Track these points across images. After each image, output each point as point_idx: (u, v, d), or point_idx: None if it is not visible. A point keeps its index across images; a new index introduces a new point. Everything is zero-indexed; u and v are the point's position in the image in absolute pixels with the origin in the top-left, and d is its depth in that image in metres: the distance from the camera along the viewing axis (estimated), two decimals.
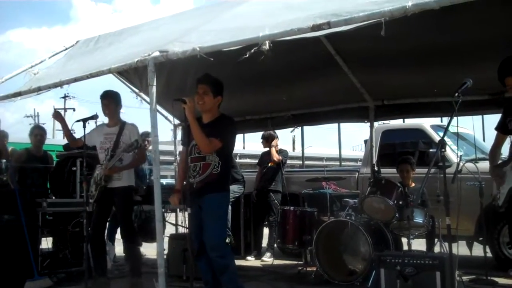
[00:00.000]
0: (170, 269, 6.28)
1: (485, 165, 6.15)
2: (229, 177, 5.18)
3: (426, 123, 8.14)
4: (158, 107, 7.28)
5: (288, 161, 9.12)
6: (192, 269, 4.85)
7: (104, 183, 5.73)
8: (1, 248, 6.12)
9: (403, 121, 9.31)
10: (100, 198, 5.81)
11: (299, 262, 7.37)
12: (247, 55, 4.39)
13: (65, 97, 43.84)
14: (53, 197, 7.35)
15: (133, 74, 7.85)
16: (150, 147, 5.99)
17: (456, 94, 4.10)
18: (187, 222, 7.98)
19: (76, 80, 5.58)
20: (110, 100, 5.95)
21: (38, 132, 7.68)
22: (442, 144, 3.99)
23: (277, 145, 8.58)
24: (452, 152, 7.09)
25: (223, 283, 4.87)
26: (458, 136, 5.00)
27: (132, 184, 5.89)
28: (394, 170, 7.03)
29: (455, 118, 4.33)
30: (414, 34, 5.86)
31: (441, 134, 7.54)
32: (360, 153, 29.60)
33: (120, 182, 5.75)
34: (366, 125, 8.07)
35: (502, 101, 6.62)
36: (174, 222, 8.64)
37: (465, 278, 5.50)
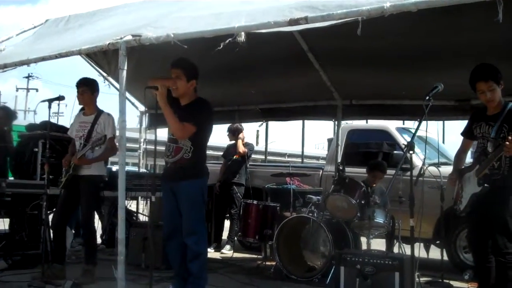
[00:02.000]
0: (129, 257, 6.22)
1: (447, 170, 6.27)
2: (202, 163, 5.10)
3: (391, 125, 8.24)
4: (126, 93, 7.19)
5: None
6: (153, 257, 4.80)
7: (73, 172, 5.63)
8: None
9: (366, 122, 9.42)
10: (68, 185, 5.70)
11: (259, 256, 7.41)
12: (221, 47, 4.37)
13: (28, 77, 42.98)
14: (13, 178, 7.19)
15: (102, 57, 7.74)
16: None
17: (427, 98, 4.14)
18: (148, 210, 8.04)
19: (44, 59, 5.46)
20: (85, 88, 5.81)
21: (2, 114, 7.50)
22: (410, 146, 4.03)
23: (244, 138, 8.56)
24: (415, 155, 7.18)
25: (192, 271, 4.85)
26: (426, 140, 5.07)
27: (101, 174, 5.77)
28: (358, 170, 7.11)
29: (424, 121, 4.36)
30: (388, 35, 5.92)
31: (406, 136, 7.75)
32: (322, 151, 29.86)
33: (89, 171, 5.64)
34: (330, 124, 8.15)
35: (468, 108, 6.78)
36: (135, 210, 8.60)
37: (421, 280, 5.60)
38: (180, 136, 4.86)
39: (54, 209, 6.10)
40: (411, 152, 4.06)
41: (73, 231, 7.33)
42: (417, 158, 6.84)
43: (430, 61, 6.29)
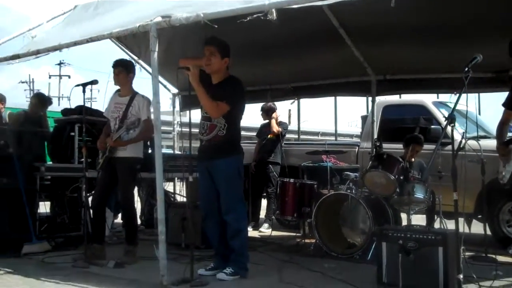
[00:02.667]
0: (169, 237, 6.25)
1: (487, 143, 6.16)
2: (237, 141, 5.14)
3: (428, 99, 8.09)
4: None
5: None
6: (193, 237, 4.83)
7: (109, 154, 5.66)
8: None
9: (400, 97, 9.26)
10: (105, 167, 5.74)
11: (297, 234, 7.40)
12: (247, 19, 4.31)
13: (60, 64, 43.39)
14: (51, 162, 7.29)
15: (132, 40, 7.74)
16: None
17: (466, 69, 4.02)
18: (185, 191, 8.09)
19: (76, 44, 5.50)
20: (121, 69, 5.82)
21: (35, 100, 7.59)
22: (451, 119, 3.92)
23: (278, 117, 8.52)
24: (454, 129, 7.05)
25: (234, 248, 4.91)
26: (467, 113, 4.94)
27: (138, 156, 5.77)
28: (394, 146, 7.01)
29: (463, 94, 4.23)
30: (421, 8, 5.79)
31: (443, 110, 7.61)
32: (356, 129, 29.58)
33: (125, 153, 5.65)
34: (362, 101, 8.07)
35: (506, 79, 6.61)
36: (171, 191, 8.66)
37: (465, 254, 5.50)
38: (214, 115, 4.89)
39: (93, 191, 6.16)
40: (452, 125, 3.96)
41: (113, 212, 7.41)
42: (456, 132, 6.71)
43: (466, 33, 6.14)
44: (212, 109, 4.88)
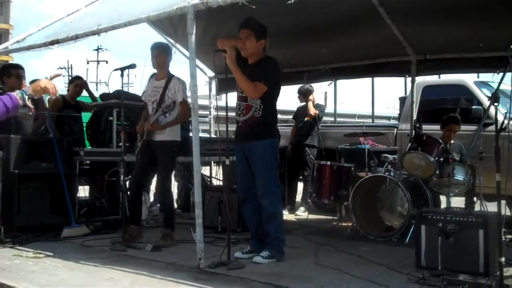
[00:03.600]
0: (205, 221, 6.29)
1: None
2: (273, 122, 5.13)
3: (469, 79, 7.89)
4: None
5: None
6: (229, 220, 4.83)
7: (147, 137, 5.70)
8: (40, 195, 6.20)
9: (439, 77, 9.06)
10: (143, 150, 5.79)
11: (334, 217, 7.35)
12: (289, 1, 4.24)
13: (98, 49, 43.97)
14: (90, 147, 7.39)
15: (168, 24, 7.75)
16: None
17: (511, 47, 3.88)
18: (221, 174, 8.10)
19: (114, 28, 5.54)
20: (160, 51, 5.83)
21: (78, 82, 7.65)
22: (495, 98, 3.80)
23: (314, 99, 8.44)
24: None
25: (269, 231, 4.91)
26: (511, 93, 4.78)
27: (175, 139, 5.78)
28: (434, 127, 6.87)
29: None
30: None
31: (485, 90, 7.41)
32: (393, 111, 29.19)
33: (163, 136, 5.68)
34: (400, 83, 7.93)
35: None
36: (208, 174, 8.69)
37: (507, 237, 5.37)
38: (252, 95, 4.89)
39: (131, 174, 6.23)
40: (496, 104, 3.84)
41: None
42: (498, 112, 6.53)
43: (507, 10, 5.92)
44: (250, 89, 4.88)
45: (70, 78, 15.11)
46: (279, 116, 5.39)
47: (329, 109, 18.02)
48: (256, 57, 5.00)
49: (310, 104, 8.31)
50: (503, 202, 6.05)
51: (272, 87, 4.94)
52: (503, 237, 4.03)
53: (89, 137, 7.54)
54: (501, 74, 4.01)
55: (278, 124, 5.28)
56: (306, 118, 8.34)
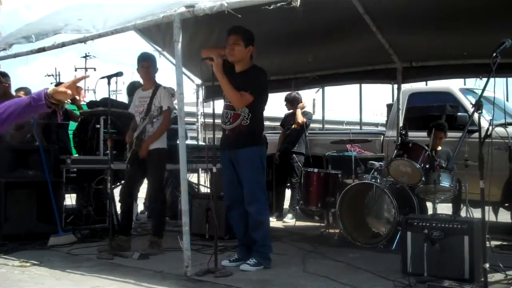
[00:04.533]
0: (193, 228, 6.28)
1: None
2: (260, 130, 5.17)
3: (454, 86, 7.96)
4: None
5: None
6: (216, 228, 4.83)
7: (136, 147, 5.70)
8: (26, 203, 6.17)
9: (426, 84, 9.13)
10: (133, 160, 5.79)
11: (321, 224, 7.37)
12: (271, 7, 4.27)
13: (86, 56, 43.82)
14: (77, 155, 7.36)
15: (155, 32, 7.75)
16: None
17: (494, 54, 3.93)
18: (208, 182, 8.09)
19: (100, 36, 5.52)
20: (150, 63, 5.87)
21: None
22: (479, 105, 3.84)
23: (304, 107, 8.48)
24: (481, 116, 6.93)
25: (256, 239, 4.93)
26: (494, 99, 4.83)
27: (163, 147, 5.80)
28: (420, 134, 6.92)
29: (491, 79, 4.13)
30: None
31: (470, 97, 7.48)
32: (381, 117, 29.30)
33: (152, 144, 5.70)
34: (387, 90, 7.96)
35: None
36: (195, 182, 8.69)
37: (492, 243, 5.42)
38: (238, 105, 4.90)
39: (121, 183, 6.22)
40: (479, 112, 3.88)
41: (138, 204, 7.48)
42: (483, 119, 6.60)
43: (494, 17, 5.99)
44: (236, 99, 4.88)
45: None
46: (266, 123, 5.41)
47: (318, 115, 18.08)
48: (243, 64, 5.01)
49: (298, 111, 8.33)
50: (487, 208, 6.12)
51: (259, 97, 4.96)
52: (488, 243, 4.05)
53: (76, 145, 7.50)
54: (484, 79, 4.04)
55: (265, 132, 5.30)
56: (293, 126, 8.36)
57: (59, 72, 39.19)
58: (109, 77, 5.83)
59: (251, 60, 5.08)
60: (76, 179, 6.69)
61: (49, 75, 41.28)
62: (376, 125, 27.35)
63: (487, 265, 3.60)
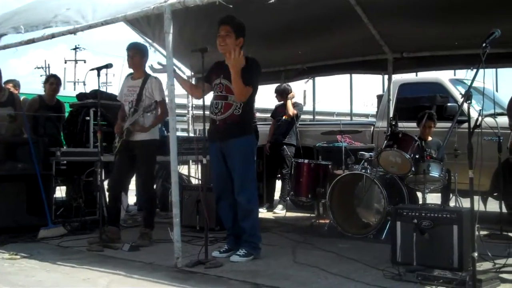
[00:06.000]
0: (184, 220, 6.28)
1: (504, 120, 6.07)
2: (251, 121, 5.20)
3: (444, 76, 7.98)
4: None
5: None
6: (206, 219, 4.83)
7: (126, 137, 5.68)
8: (16, 196, 6.15)
9: (416, 75, 9.15)
10: (122, 150, 5.76)
11: (312, 215, 7.39)
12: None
13: (76, 48, 43.58)
14: (66, 147, 7.33)
15: (146, 23, 7.71)
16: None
17: (484, 44, 3.93)
18: (199, 173, 8.10)
19: (90, 27, 5.47)
20: (136, 51, 5.82)
21: (53, 81, 7.57)
22: (468, 96, 3.85)
23: (293, 96, 8.47)
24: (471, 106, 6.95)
25: (245, 229, 4.94)
26: (484, 90, 4.84)
27: (155, 138, 5.78)
28: (410, 124, 6.93)
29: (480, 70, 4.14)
30: None
31: (460, 88, 7.50)
32: (371, 108, 29.36)
33: (143, 136, 5.66)
34: (378, 81, 8.00)
35: None
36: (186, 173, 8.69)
37: (480, 232, 5.46)
38: (242, 98, 4.90)
39: (110, 174, 6.20)
40: (468, 102, 3.89)
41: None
42: (472, 109, 6.62)
43: (484, 8, 6.01)
44: (244, 93, 4.88)
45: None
46: (257, 114, 5.41)
47: (308, 107, 18.08)
48: None
49: (289, 103, 8.32)
50: (476, 198, 6.16)
51: (255, 89, 4.99)
52: (476, 232, 4.08)
53: (66, 137, 7.48)
54: (475, 70, 4.05)
55: (257, 123, 5.30)
56: (284, 117, 8.36)
57: (48, 65, 39.07)
58: (98, 69, 5.80)
59: (241, 50, 5.05)
60: (66, 172, 6.66)
61: (38, 68, 41.11)
62: (367, 116, 27.43)
63: (476, 254, 3.61)
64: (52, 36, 5.89)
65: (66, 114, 7.82)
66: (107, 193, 6.09)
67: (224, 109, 4.94)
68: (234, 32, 4.90)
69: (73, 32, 5.69)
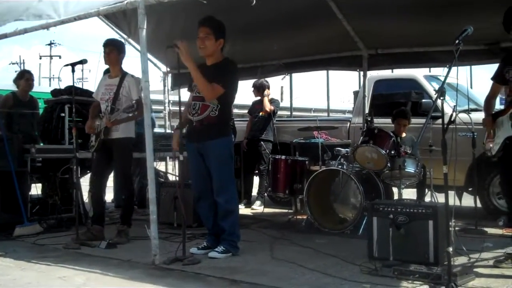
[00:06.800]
0: (161, 217, 6.26)
1: (478, 116, 6.15)
2: (228, 122, 5.18)
3: (419, 73, 8.06)
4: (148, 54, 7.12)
5: None
6: (184, 216, 4.82)
7: (103, 136, 5.64)
8: None
9: (392, 71, 9.22)
10: (100, 149, 5.73)
11: (289, 211, 7.42)
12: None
13: (51, 44, 43.11)
14: (42, 144, 7.25)
15: (121, 18, 7.66)
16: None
17: (457, 42, 3.98)
18: (177, 170, 8.08)
19: (63, 22, 5.40)
20: (112, 48, 5.76)
21: (29, 76, 7.48)
22: (441, 92, 3.89)
23: (269, 95, 8.48)
24: (445, 102, 7.03)
25: (225, 228, 4.94)
26: (457, 86, 4.89)
27: (130, 136, 5.75)
28: (386, 120, 7.00)
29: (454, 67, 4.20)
30: None
31: (434, 84, 7.59)
32: (348, 104, 29.54)
33: (119, 134, 5.63)
34: (354, 77, 8.05)
35: (497, 51, 6.57)
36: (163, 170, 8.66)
37: (455, 227, 5.53)
38: (208, 97, 4.83)
39: (87, 172, 6.15)
40: (442, 98, 3.93)
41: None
42: (447, 105, 6.70)
43: (458, 5, 6.08)
44: (207, 91, 4.81)
45: None
46: (234, 110, 5.40)
47: (286, 103, 18.14)
48: (214, 57, 4.96)
49: (265, 99, 8.32)
50: (451, 193, 6.24)
51: (230, 90, 4.93)
52: (451, 227, 4.13)
53: (41, 134, 7.39)
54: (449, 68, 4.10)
55: (234, 119, 5.28)
56: (261, 113, 8.36)
57: (23, 60, 38.56)
58: (73, 65, 5.73)
59: (222, 52, 5.03)
60: (41, 169, 6.59)
61: (13, 63, 40.58)
62: (344, 112, 27.58)
63: (451, 249, 3.66)
64: (25, 31, 5.81)
65: (41, 111, 7.74)
66: (84, 192, 6.04)
67: (201, 110, 4.91)
68: (213, 33, 4.86)
69: (46, 27, 5.63)
